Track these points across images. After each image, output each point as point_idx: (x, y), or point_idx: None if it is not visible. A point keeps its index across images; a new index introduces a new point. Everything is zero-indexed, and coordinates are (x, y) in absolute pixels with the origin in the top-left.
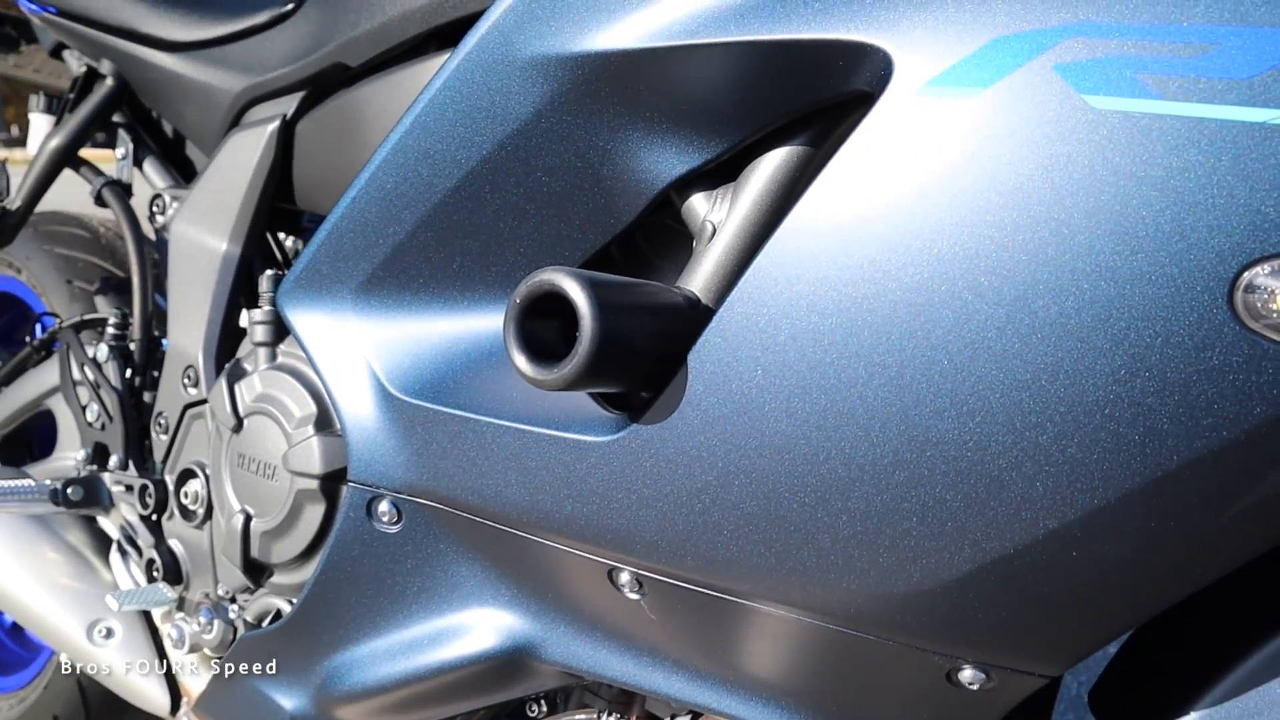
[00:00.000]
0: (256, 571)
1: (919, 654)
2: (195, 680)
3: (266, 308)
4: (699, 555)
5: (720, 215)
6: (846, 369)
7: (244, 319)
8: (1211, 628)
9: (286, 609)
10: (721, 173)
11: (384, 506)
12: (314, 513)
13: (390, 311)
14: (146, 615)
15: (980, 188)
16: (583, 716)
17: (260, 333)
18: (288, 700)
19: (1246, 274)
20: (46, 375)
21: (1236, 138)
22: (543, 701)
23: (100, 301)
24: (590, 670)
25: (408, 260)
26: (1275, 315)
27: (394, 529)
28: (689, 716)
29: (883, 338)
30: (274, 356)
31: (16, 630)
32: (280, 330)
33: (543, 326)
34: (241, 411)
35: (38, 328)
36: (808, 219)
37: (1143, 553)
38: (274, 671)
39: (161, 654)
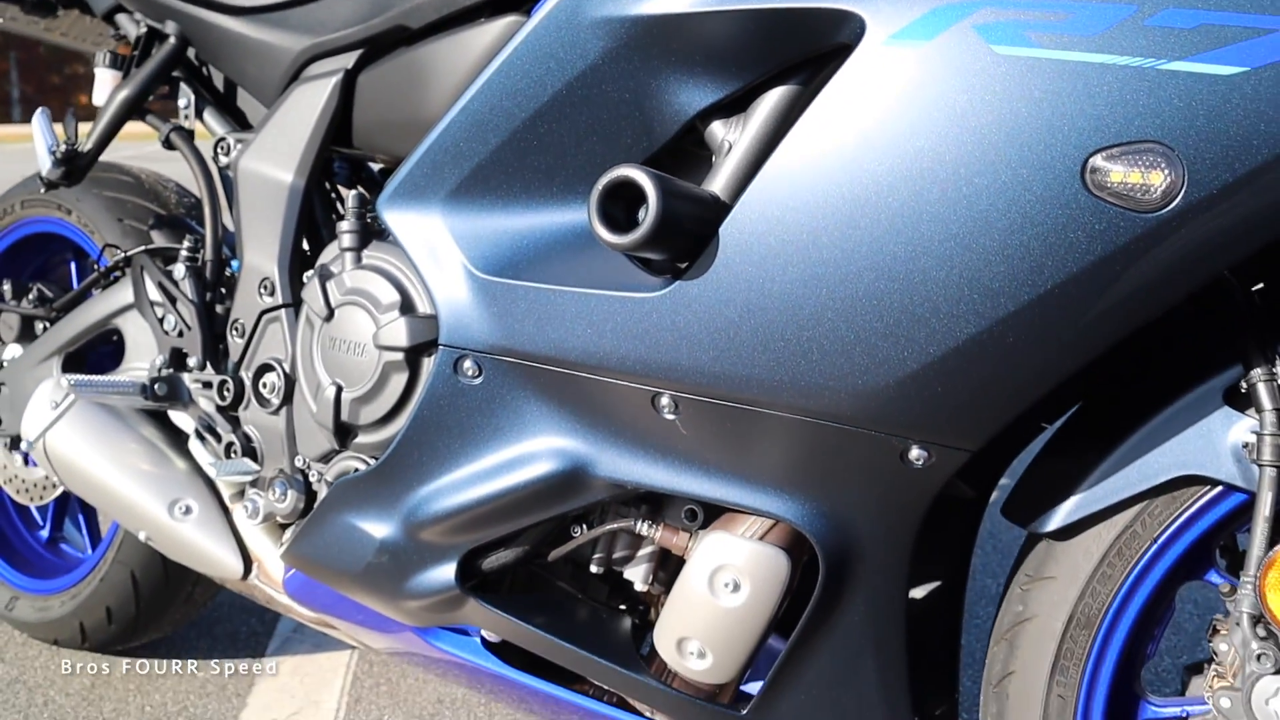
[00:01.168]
0: (343, 435)
1: (884, 438)
2: (264, 548)
3: (353, 220)
4: (725, 376)
5: (735, 136)
6: (829, 236)
7: (342, 226)
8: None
9: (363, 467)
10: (736, 106)
11: (468, 364)
12: (398, 380)
13: (473, 211)
14: (217, 495)
15: (924, 108)
16: (618, 525)
17: (348, 240)
18: (378, 531)
19: (1091, 159)
20: (115, 297)
21: (1086, 73)
22: (584, 524)
23: (155, 235)
24: (630, 480)
25: (489, 172)
26: (1110, 186)
27: (476, 381)
28: (701, 515)
29: (856, 215)
30: (359, 259)
31: (52, 544)
32: (364, 238)
33: (615, 208)
34: (333, 303)
35: (103, 258)
36: (802, 137)
37: (1027, 354)
38: (365, 509)
39: (232, 528)
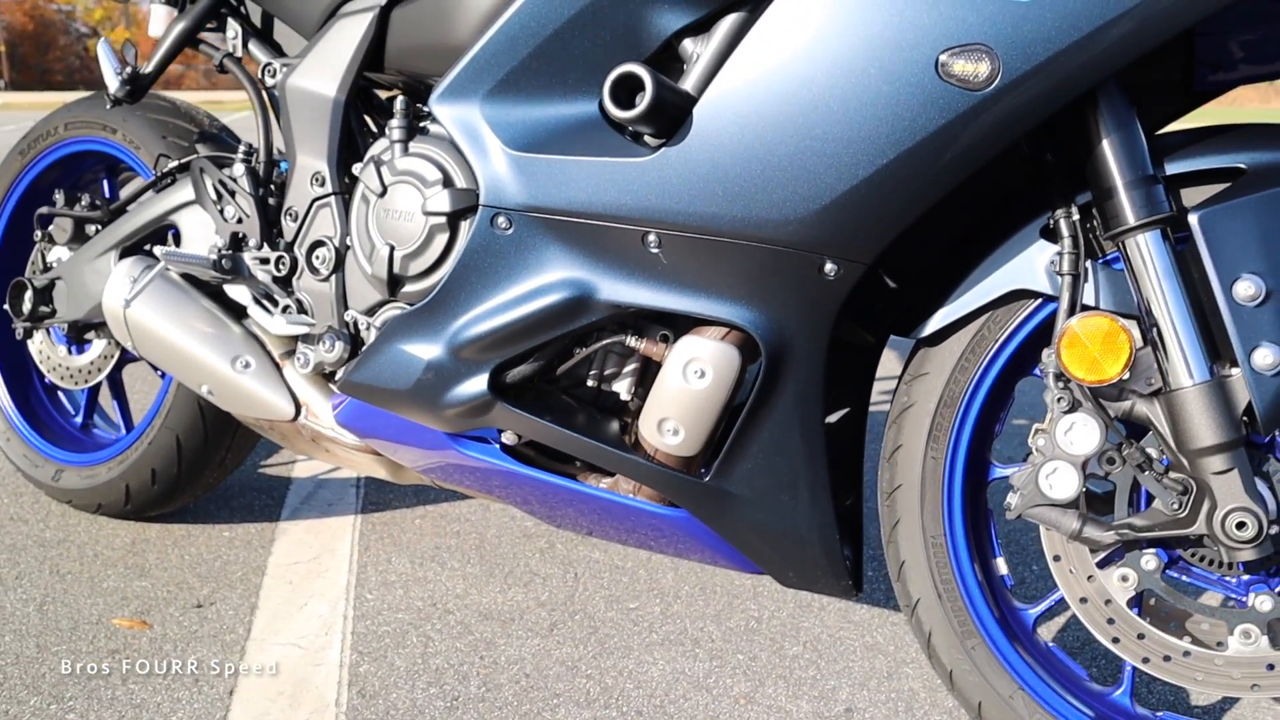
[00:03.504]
0: (393, 286)
1: (806, 256)
2: (311, 393)
3: (400, 119)
4: (697, 215)
5: (701, 49)
6: (769, 113)
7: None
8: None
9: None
10: (702, 27)
11: (501, 219)
12: (441, 238)
13: (507, 104)
14: (269, 353)
15: (832, 22)
16: (611, 341)
17: (397, 134)
18: (425, 354)
19: (940, 56)
20: (172, 197)
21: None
22: (583, 345)
23: (200, 147)
24: (624, 301)
25: (519, 75)
26: (954, 74)
27: (508, 233)
28: (672, 337)
29: (788, 96)
30: (407, 149)
31: (84, 430)
32: (410, 133)
33: (620, 94)
34: (386, 182)
35: (150, 169)
36: (750, 48)
37: (903, 189)
38: (413, 339)
39: (283, 379)
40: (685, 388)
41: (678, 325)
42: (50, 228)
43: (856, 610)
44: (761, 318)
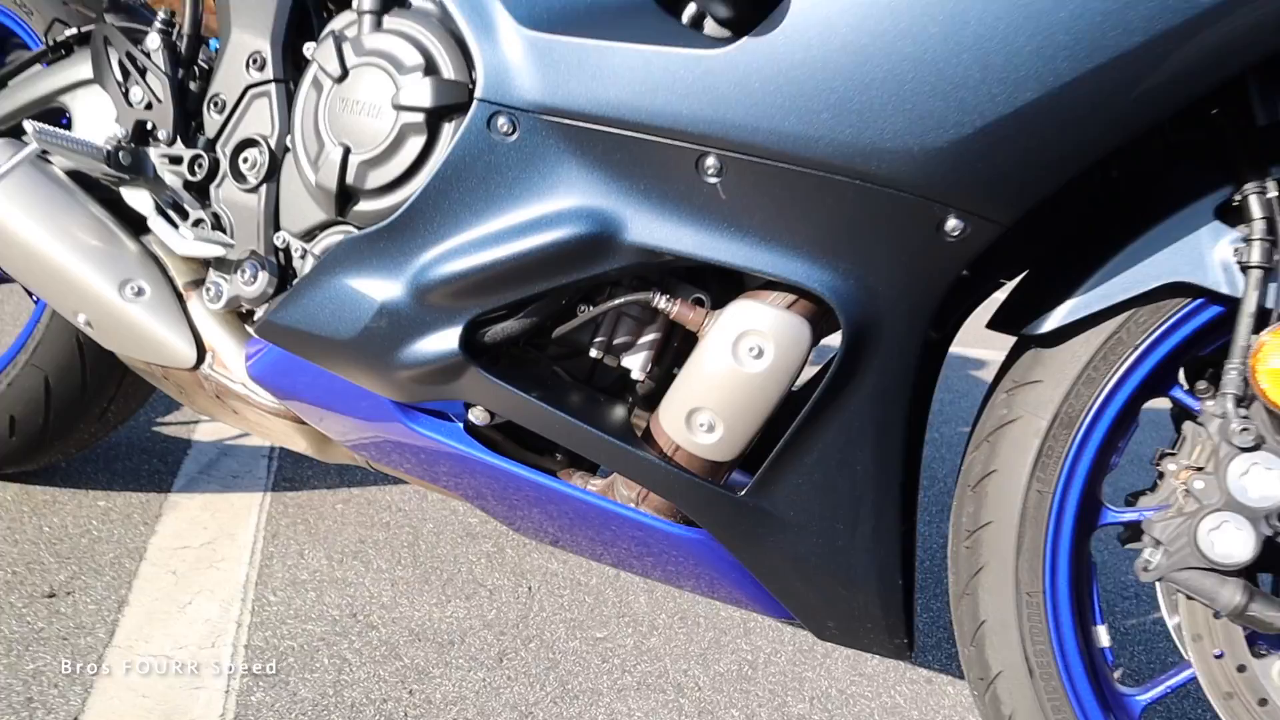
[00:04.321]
0: (343, 201)
1: (925, 205)
2: (220, 336)
3: None
4: (781, 134)
5: None
6: (877, 13)
7: None
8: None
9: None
10: None
11: (502, 121)
12: (415, 143)
13: None
14: (170, 281)
15: None
16: (633, 299)
17: (368, 3)
18: (379, 293)
19: None
20: (65, 73)
21: None
22: (590, 304)
23: (108, 17)
24: (660, 246)
25: None
26: None
27: (509, 139)
28: (708, 302)
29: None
30: (379, 23)
31: None
32: (384, 3)
33: None
34: (348, 64)
35: (50, 32)
36: None
37: (1068, 131)
38: (365, 272)
39: (185, 316)
40: (734, 370)
41: (719, 287)
42: None
43: (867, 661)
44: (848, 284)
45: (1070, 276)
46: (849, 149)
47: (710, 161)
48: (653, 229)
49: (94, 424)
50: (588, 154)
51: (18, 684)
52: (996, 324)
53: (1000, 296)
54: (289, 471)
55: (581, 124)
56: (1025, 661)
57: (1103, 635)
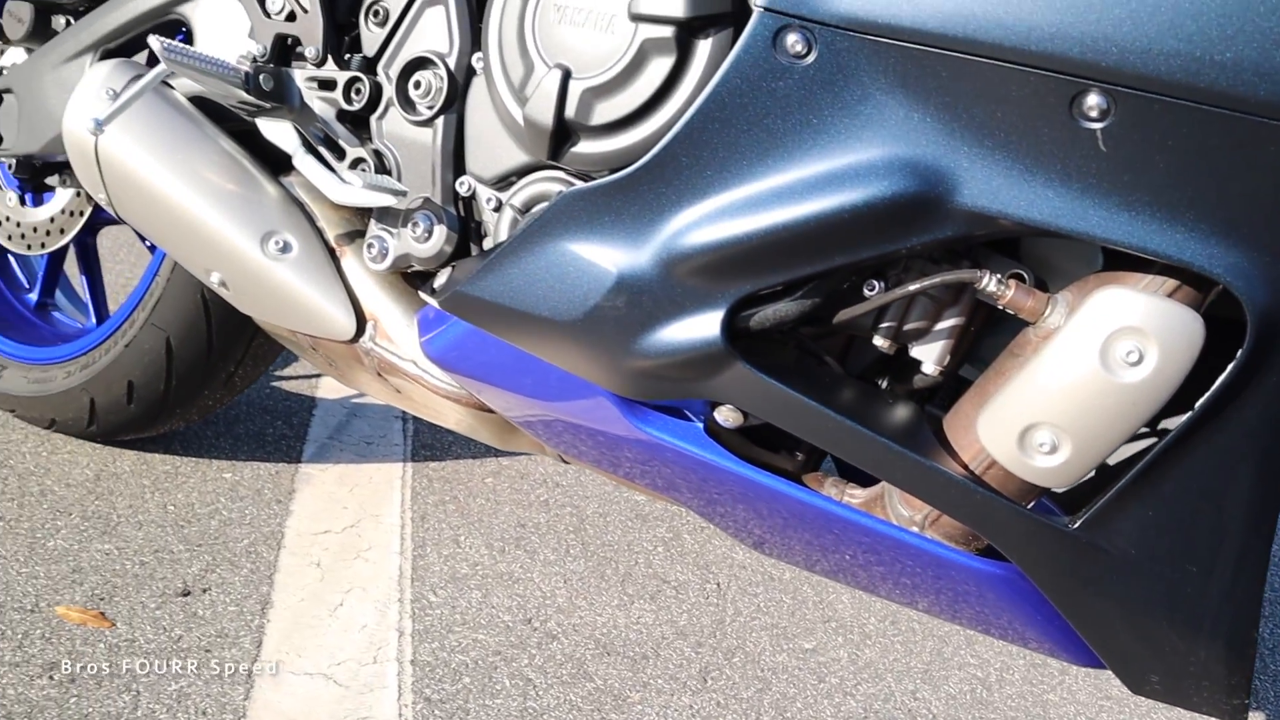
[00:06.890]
0: (559, 142)
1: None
2: (384, 303)
3: None
4: (1208, 63)
5: None
6: None
7: None
8: None
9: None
10: None
11: (793, 37)
12: (659, 65)
13: None
14: (320, 234)
15: None
16: (956, 277)
17: None
18: (617, 263)
19: None
20: None
21: None
22: (879, 282)
23: None
24: (1006, 211)
25: None
26: None
27: (803, 62)
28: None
29: None
30: None
31: (41, 310)
32: None
33: None
34: None
35: None
36: None
37: None
38: (597, 236)
39: (340, 276)
40: (1101, 379)
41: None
42: (1, 18)
43: (1110, 680)
44: (1264, 270)
45: None
46: None
47: (1091, 100)
48: (1000, 190)
49: (219, 391)
50: (913, 86)
51: (162, 711)
52: None
53: None
54: (426, 437)
55: (906, 43)
56: None
57: None
